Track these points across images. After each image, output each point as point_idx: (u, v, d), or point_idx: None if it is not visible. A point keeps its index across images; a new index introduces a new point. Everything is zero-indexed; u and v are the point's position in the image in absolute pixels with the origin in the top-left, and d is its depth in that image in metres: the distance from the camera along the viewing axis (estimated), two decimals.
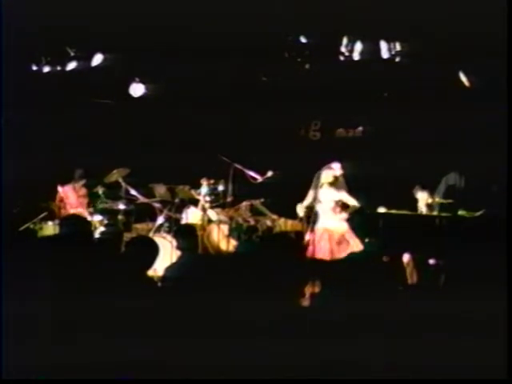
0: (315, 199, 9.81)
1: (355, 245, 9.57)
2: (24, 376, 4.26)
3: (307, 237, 9.87)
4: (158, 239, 8.51)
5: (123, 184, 11.25)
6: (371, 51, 14.43)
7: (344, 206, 9.85)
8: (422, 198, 11.10)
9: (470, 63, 13.15)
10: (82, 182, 11.95)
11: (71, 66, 15.22)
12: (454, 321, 4.48)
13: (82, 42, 14.82)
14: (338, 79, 13.52)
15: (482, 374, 4.25)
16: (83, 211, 11.62)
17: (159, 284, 5.58)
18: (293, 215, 10.97)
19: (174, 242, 8.48)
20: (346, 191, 9.91)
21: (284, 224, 11.34)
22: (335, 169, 9.99)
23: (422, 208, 11.12)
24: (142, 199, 11.34)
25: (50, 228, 11.11)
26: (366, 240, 9.41)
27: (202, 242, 10.42)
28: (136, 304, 4.60)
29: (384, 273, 5.25)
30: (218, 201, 10.98)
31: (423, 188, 11.22)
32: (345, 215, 9.84)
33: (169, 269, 6.03)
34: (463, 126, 11.77)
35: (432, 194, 11.31)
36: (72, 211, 11.73)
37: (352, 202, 9.77)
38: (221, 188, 10.90)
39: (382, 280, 5.07)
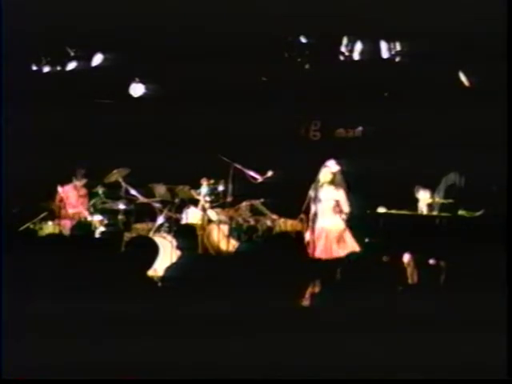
0: (315, 199, 9.86)
1: (352, 245, 9.66)
2: (24, 376, 4.26)
3: (307, 237, 9.90)
4: (158, 239, 8.52)
5: (123, 184, 11.25)
6: (371, 51, 14.43)
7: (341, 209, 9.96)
8: (424, 198, 11.10)
9: (470, 63, 13.15)
10: (83, 181, 11.94)
11: (71, 65, 15.22)
12: (454, 321, 4.48)
13: (82, 42, 14.82)
14: (338, 79, 13.53)
15: (482, 374, 4.25)
16: (83, 211, 11.63)
17: (159, 284, 5.58)
18: (293, 215, 10.99)
19: (174, 242, 8.49)
20: (344, 188, 9.99)
21: (284, 224, 11.34)
22: (331, 166, 10.07)
23: (423, 208, 11.12)
24: (141, 199, 11.34)
25: (50, 228, 11.13)
26: (366, 240, 9.46)
27: (202, 242, 10.43)
28: (136, 304, 4.60)
29: (384, 273, 5.25)
30: (217, 201, 10.99)
31: (424, 188, 11.22)
32: (343, 215, 9.92)
33: (169, 269, 6.03)
34: (463, 125, 11.77)
35: (433, 194, 11.32)
36: (72, 211, 11.74)
37: (345, 207, 9.89)
38: (221, 188, 10.91)
39: (382, 280, 5.07)
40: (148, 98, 14.43)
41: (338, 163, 10.19)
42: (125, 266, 5.32)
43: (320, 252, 9.66)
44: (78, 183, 11.95)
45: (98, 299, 4.61)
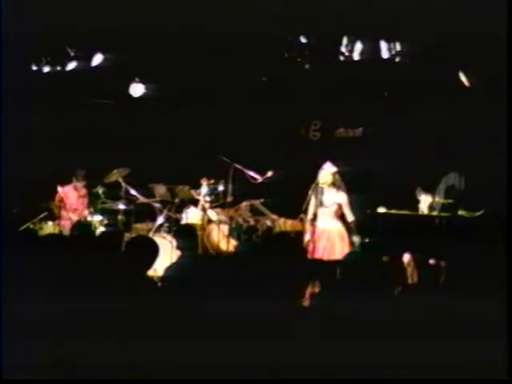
0: (315, 199, 9.89)
1: (347, 246, 9.70)
2: (24, 376, 4.26)
3: (307, 237, 9.92)
4: (158, 239, 8.52)
5: (123, 184, 11.25)
6: (371, 51, 14.43)
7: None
8: (425, 200, 11.10)
9: (470, 63, 13.14)
10: (83, 182, 11.92)
11: (71, 65, 15.23)
12: (454, 321, 4.48)
13: (82, 42, 14.82)
14: (338, 79, 13.52)
15: (482, 373, 4.25)
16: (83, 211, 11.62)
17: (159, 284, 5.58)
18: (293, 215, 10.99)
19: (174, 242, 8.50)
20: (344, 190, 10.01)
21: (284, 224, 11.35)
22: (327, 168, 10.10)
23: (424, 210, 11.12)
24: (142, 199, 11.35)
25: (50, 228, 11.13)
26: (366, 240, 9.47)
27: (202, 242, 10.44)
28: (136, 304, 4.61)
29: (384, 273, 5.25)
30: (218, 201, 10.99)
31: (426, 190, 11.23)
32: (348, 223, 9.96)
33: (169, 269, 6.03)
34: (463, 126, 11.77)
35: (434, 195, 11.32)
36: (72, 211, 11.74)
37: (349, 215, 9.91)
38: (221, 188, 10.92)
39: (382, 280, 5.07)
40: (148, 98, 14.43)
41: (335, 164, 10.20)
42: (125, 265, 5.32)
43: (319, 252, 9.67)
44: (79, 184, 11.94)
45: (98, 299, 4.61)
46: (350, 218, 9.95)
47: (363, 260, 5.59)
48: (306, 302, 5.02)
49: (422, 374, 4.27)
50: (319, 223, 9.92)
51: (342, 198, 9.98)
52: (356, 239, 9.89)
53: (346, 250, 9.55)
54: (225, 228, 10.87)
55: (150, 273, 5.62)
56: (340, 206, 9.95)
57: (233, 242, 10.44)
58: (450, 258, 5.77)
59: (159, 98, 14.15)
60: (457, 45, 12.72)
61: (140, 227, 11.43)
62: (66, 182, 11.99)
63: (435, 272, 5.70)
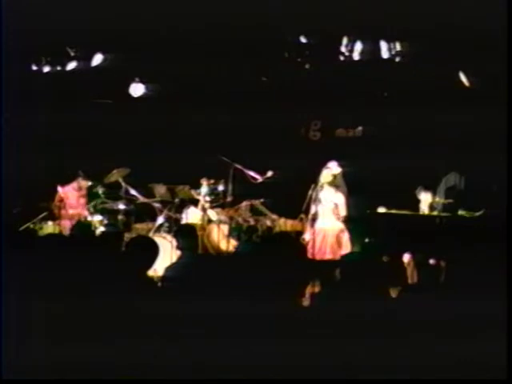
0: (315, 199, 9.90)
1: (346, 246, 9.71)
2: (24, 376, 4.27)
3: (307, 237, 9.93)
4: (158, 239, 8.51)
5: (123, 184, 11.25)
6: (371, 51, 14.44)
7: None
8: (426, 199, 11.10)
9: (470, 63, 13.15)
10: (88, 181, 11.88)
11: (71, 65, 15.24)
12: (454, 321, 4.48)
13: (82, 42, 14.83)
14: (338, 79, 13.53)
15: (482, 374, 4.25)
16: (83, 211, 11.62)
17: (159, 284, 5.58)
18: (293, 215, 11.00)
19: (174, 242, 8.49)
20: (344, 191, 10.03)
21: (284, 224, 11.34)
22: (332, 167, 10.13)
23: (425, 209, 11.12)
24: (142, 199, 11.34)
25: (50, 228, 11.13)
26: (366, 240, 9.48)
27: (202, 242, 10.43)
28: (136, 304, 4.61)
29: (384, 273, 5.25)
30: (217, 201, 10.99)
31: (426, 189, 11.23)
32: (341, 218, 9.98)
33: (169, 269, 6.03)
34: (463, 125, 11.76)
35: (434, 195, 11.32)
36: (72, 211, 11.74)
37: (342, 211, 9.93)
38: (221, 188, 10.91)
39: (382, 280, 5.08)
40: (148, 98, 14.44)
41: (340, 165, 10.22)
42: (125, 265, 5.32)
43: (318, 252, 9.69)
44: (83, 182, 11.88)
45: (98, 299, 4.61)
46: (342, 213, 9.99)
47: (363, 260, 5.59)
48: (306, 302, 5.02)
49: (422, 374, 4.27)
50: (318, 222, 9.95)
51: (339, 198, 10.01)
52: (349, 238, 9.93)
53: (342, 249, 9.58)
54: (225, 228, 10.87)
55: (150, 273, 5.62)
56: (337, 206, 9.97)
57: (233, 242, 10.44)
58: (450, 258, 5.77)
59: (159, 98, 14.16)
60: (457, 45, 12.73)
61: (140, 227, 11.42)
62: (66, 182, 11.98)
63: (435, 272, 5.70)
